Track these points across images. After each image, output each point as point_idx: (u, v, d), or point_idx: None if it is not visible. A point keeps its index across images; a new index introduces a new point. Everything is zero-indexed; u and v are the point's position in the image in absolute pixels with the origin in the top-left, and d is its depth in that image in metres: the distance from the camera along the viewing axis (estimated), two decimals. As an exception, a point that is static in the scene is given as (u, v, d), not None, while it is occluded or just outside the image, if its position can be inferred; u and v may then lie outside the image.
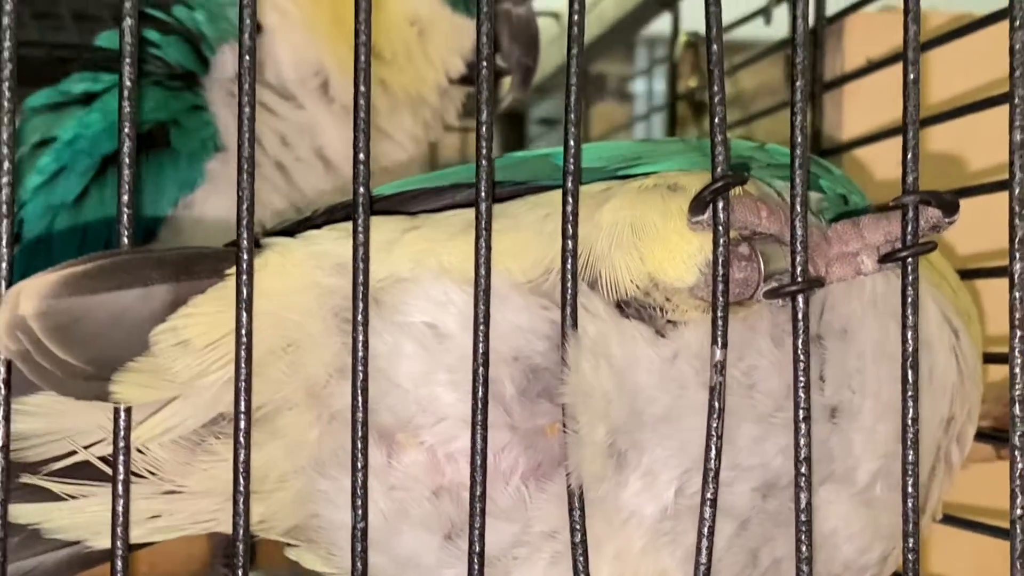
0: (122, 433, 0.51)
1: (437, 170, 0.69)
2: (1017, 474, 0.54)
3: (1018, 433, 0.54)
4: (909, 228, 0.54)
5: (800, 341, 0.52)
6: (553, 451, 0.56)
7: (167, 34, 0.93)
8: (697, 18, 1.25)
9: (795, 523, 0.52)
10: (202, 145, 0.89)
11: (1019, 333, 0.54)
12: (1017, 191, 0.54)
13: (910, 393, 0.53)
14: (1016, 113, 0.54)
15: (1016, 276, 0.54)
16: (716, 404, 0.52)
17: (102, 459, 0.55)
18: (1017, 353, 0.54)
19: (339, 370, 0.55)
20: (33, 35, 1.44)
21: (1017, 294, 0.54)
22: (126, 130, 0.50)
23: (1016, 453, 0.54)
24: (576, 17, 0.53)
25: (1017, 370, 0.54)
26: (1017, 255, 0.54)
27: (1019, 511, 0.54)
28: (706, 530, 0.52)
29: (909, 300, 0.53)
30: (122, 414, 0.52)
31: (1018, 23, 0.54)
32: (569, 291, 0.53)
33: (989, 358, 0.72)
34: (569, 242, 0.52)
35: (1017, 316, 0.54)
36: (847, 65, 0.92)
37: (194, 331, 0.53)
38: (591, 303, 0.55)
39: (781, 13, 1.02)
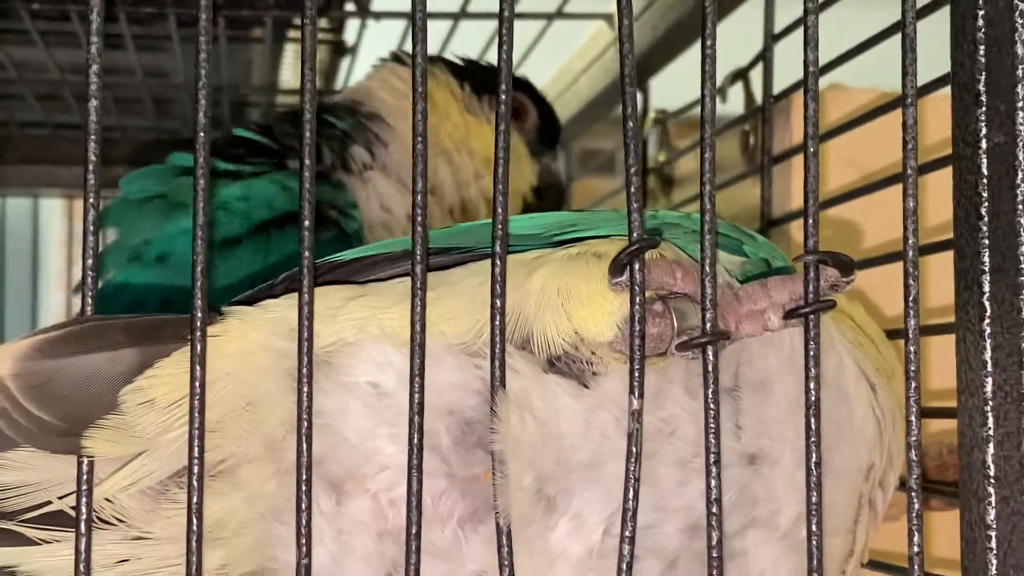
0: (84, 478, 0.56)
1: None
2: (914, 514, 0.58)
3: (914, 476, 0.58)
4: (810, 287, 0.59)
5: (710, 391, 0.57)
6: (488, 497, 0.60)
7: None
8: (665, 96, 1.31)
9: (707, 560, 0.57)
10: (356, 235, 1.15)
11: (914, 384, 0.58)
12: (910, 254, 0.59)
13: (812, 439, 0.58)
14: (908, 183, 0.59)
15: (911, 331, 0.59)
16: (633, 449, 0.57)
17: (75, 508, 0.59)
18: (912, 403, 0.58)
19: (294, 426, 0.60)
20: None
21: (911, 348, 0.59)
22: (90, 200, 0.55)
23: (912, 495, 0.58)
24: (504, 98, 0.58)
25: (912, 418, 0.58)
26: (911, 311, 0.59)
27: (916, 548, 0.58)
28: (624, 565, 0.56)
29: (811, 353, 0.58)
30: (85, 463, 0.57)
31: (909, 101, 0.59)
32: (498, 348, 0.57)
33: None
34: (497, 301, 0.57)
35: (911, 368, 0.58)
36: (794, 140, 0.98)
37: (159, 391, 0.58)
38: (514, 361, 0.60)
39: (737, 91, 1.08)
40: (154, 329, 0.59)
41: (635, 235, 0.57)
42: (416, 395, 0.56)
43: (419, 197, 0.57)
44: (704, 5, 0.58)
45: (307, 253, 0.57)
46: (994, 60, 0.60)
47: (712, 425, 0.57)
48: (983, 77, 0.61)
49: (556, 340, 0.61)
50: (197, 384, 0.55)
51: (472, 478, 0.61)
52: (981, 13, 0.62)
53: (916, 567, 0.58)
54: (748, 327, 0.61)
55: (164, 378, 0.58)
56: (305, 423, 0.56)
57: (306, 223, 0.57)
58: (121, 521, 0.60)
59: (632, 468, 0.57)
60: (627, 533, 0.56)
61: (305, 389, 0.56)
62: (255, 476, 0.61)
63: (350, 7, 1.34)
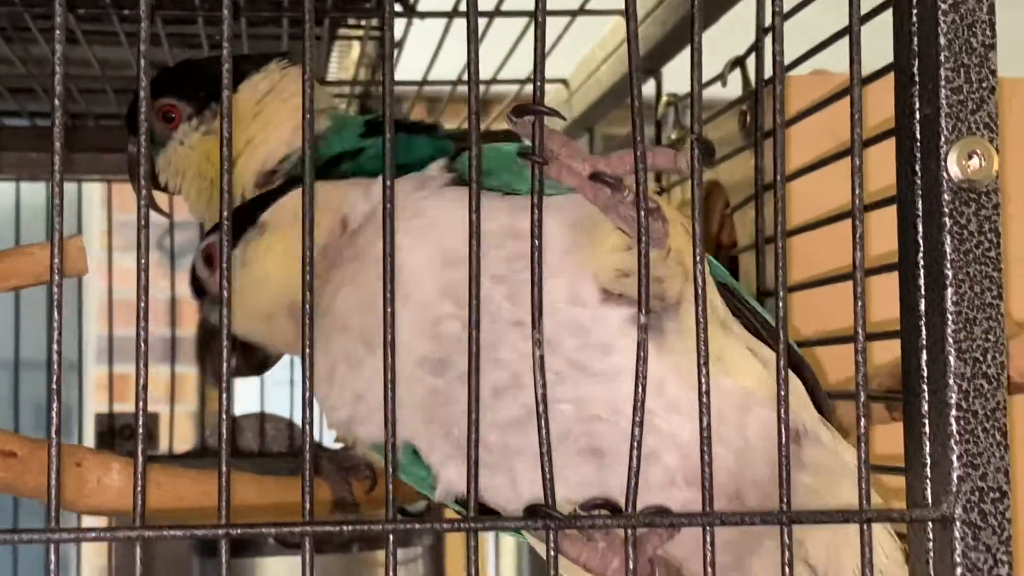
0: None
1: None
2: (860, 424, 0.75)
3: (861, 399, 0.74)
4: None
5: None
6: None
7: None
8: (676, 82, 1.46)
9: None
10: None
11: (861, 321, 0.74)
12: (857, 203, 0.75)
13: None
14: (855, 148, 0.75)
15: (857, 262, 0.74)
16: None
17: None
18: (859, 326, 0.74)
19: None
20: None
21: (858, 274, 0.75)
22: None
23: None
24: (539, 84, 0.75)
25: (860, 331, 0.75)
26: (858, 246, 0.75)
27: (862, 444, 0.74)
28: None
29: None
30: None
31: (855, 83, 0.75)
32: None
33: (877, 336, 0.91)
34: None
35: (859, 304, 0.74)
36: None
37: None
38: None
39: (736, 76, 1.24)
40: None
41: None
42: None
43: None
44: (692, 26, 0.74)
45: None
46: (924, 50, 0.77)
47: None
48: (916, 63, 0.77)
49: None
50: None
51: None
52: (915, 12, 0.78)
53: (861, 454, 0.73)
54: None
55: None
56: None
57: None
58: None
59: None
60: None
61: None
62: None
63: (398, 7, 1.51)
